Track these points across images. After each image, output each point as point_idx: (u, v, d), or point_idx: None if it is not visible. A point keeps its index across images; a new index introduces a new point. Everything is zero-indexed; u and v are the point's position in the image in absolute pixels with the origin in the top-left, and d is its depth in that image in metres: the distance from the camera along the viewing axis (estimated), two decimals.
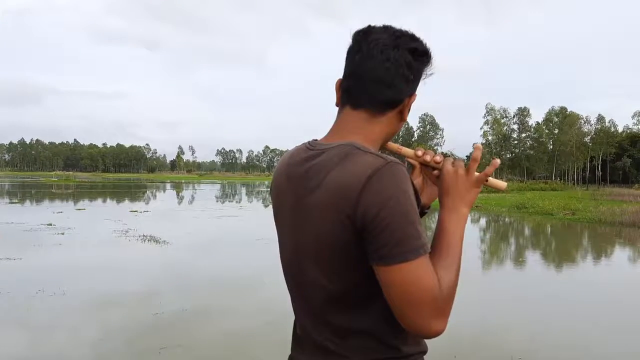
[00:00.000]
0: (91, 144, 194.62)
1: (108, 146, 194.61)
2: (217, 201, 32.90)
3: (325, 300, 1.04)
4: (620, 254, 13.56)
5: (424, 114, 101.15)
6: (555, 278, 10.03)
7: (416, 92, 1.11)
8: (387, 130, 1.11)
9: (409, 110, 1.12)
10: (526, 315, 6.70)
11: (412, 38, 1.08)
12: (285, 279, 1.16)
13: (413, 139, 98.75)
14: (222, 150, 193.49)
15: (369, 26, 1.09)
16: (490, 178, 1.16)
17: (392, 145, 1.20)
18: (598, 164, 78.82)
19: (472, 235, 16.50)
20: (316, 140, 1.12)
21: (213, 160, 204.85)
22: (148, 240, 12.55)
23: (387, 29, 1.07)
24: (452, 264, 1.00)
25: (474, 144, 1.18)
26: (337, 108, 1.13)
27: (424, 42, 1.09)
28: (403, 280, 0.92)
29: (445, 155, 1.19)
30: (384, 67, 1.04)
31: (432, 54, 1.10)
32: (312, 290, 1.06)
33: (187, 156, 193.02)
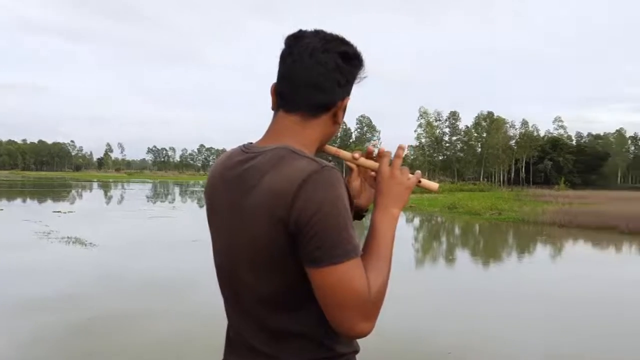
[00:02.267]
0: (10, 140, 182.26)
1: (28, 142, 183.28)
2: (148, 201, 31.80)
3: (258, 303, 1.04)
4: (542, 251, 14.34)
5: (361, 116, 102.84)
6: (483, 274, 10.45)
7: (349, 96, 1.12)
8: (322, 134, 1.11)
9: (344, 113, 1.13)
10: (456, 311, 6.91)
11: (342, 42, 1.09)
12: (219, 281, 1.15)
13: (351, 140, 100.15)
14: (154, 149, 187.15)
15: (300, 30, 1.09)
16: (423, 179, 1.20)
17: (330, 148, 1.20)
18: (522, 166, 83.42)
19: (406, 234, 16.91)
20: (251, 143, 1.12)
21: (144, 159, 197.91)
22: (73, 242, 11.92)
23: (317, 33, 1.08)
24: (382, 267, 1.02)
25: (398, 145, 1.17)
26: (273, 111, 1.14)
27: (355, 46, 1.11)
28: (333, 282, 0.94)
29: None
30: (314, 71, 1.05)
31: (363, 57, 1.11)
32: (245, 293, 1.06)
33: (116, 154, 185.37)
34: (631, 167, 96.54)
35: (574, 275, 10.29)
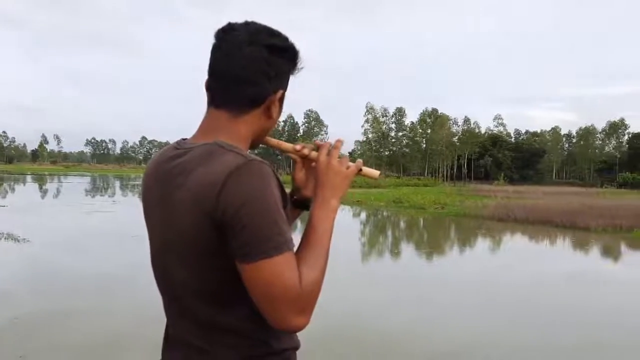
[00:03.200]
0: None
1: None
2: (87, 195, 30.64)
3: (193, 298, 1.03)
4: (482, 243, 14.88)
5: (309, 110, 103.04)
6: (427, 266, 10.72)
7: (285, 89, 1.10)
8: (255, 129, 1.09)
9: (280, 107, 1.11)
10: (401, 301, 7.06)
11: (271, 34, 1.06)
12: (155, 278, 1.14)
13: (299, 134, 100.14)
14: (93, 140, 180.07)
15: (229, 23, 1.07)
16: (364, 167, 1.20)
17: (272, 140, 1.20)
18: (464, 162, 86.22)
19: (353, 228, 17.10)
20: (185, 139, 1.12)
21: (82, 151, 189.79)
22: (5, 238, 11.30)
23: (247, 25, 1.06)
24: (316, 260, 1.01)
25: (337, 139, 1.19)
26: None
27: (285, 37, 1.08)
28: (263, 277, 0.93)
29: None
30: (240, 65, 1.03)
31: (296, 48, 1.09)
32: (180, 288, 1.05)
33: (52, 146, 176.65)
34: (565, 164, 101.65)
35: (510, 265, 10.75)
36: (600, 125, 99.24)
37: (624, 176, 60.28)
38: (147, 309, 5.94)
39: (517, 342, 5.51)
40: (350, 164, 1.16)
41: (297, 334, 1.09)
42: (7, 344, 4.88)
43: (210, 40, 1.08)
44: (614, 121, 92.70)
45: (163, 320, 1.13)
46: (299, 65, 1.11)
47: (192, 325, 1.05)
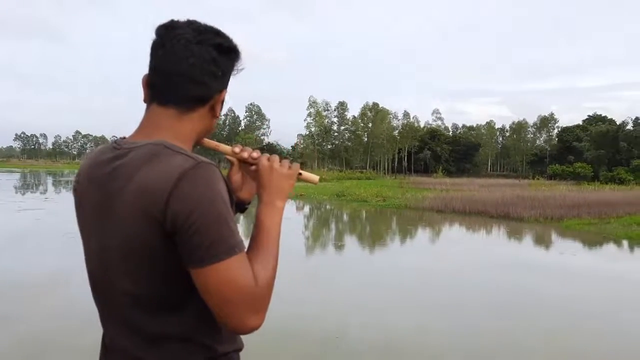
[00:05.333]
0: None
1: None
2: (16, 192, 28.98)
3: (133, 306, 1.01)
4: (422, 234, 15.32)
5: (251, 104, 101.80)
6: (369, 259, 10.92)
7: (227, 89, 1.11)
8: (199, 128, 1.09)
9: (221, 106, 1.11)
10: (342, 295, 7.16)
11: (217, 34, 1.06)
12: (91, 287, 1.10)
13: (240, 128, 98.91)
14: (22, 135, 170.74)
15: (172, 21, 1.05)
16: (303, 172, 1.23)
17: (210, 142, 1.19)
18: (405, 156, 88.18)
19: (296, 221, 17.14)
20: (124, 138, 1.07)
21: (11, 146, 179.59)
22: None
23: (191, 24, 1.05)
24: (268, 259, 1.01)
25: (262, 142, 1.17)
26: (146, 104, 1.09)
27: (230, 38, 1.09)
28: (218, 280, 0.92)
29: (270, 145, 1.19)
30: (188, 63, 1.02)
31: (239, 49, 1.10)
32: (119, 297, 1.02)
33: None
34: (499, 156, 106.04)
35: (449, 254, 11.14)
36: (531, 119, 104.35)
37: (553, 168, 63.52)
38: (76, 312, 5.76)
39: (447, 328, 5.73)
40: (292, 165, 1.17)
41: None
42: None
43: (144, 34, 1.06)
44: (545, 116, 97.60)
45: (90, 323, 1.10)
46: (240, 66, 1.11)
47: (132, 335, 1.02)
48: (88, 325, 5.23)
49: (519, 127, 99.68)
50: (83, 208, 1.08)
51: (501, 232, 15.85)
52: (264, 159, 1.16)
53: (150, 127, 1.05)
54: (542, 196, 22.65)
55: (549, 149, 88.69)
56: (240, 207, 1.29)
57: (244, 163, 1.24)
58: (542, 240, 14.30)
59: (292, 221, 16.69)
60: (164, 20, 1.07)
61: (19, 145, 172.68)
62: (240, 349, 1.12)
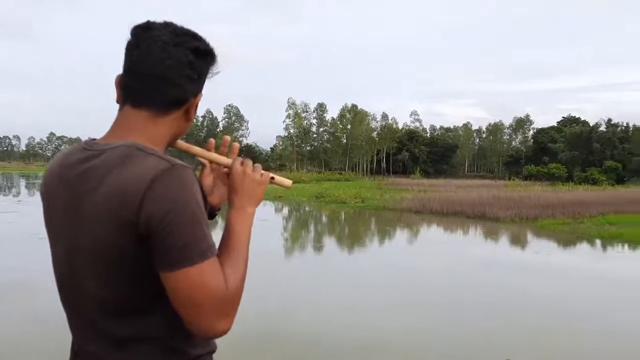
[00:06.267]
0: None
1: None
2: None
3: (102, 310, 0.99)
4: (401, 235, 15.44)
5: (229, 105, 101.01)
6: (347, 260, 10.97)
7: (201, 92, 1.09)
8: (173, 131, 1.07)
9: (196, 109, 1.10)
10: (321, 296, 7.17)
11: (194, 37, 1.06)
12: (59, 290, 1.07)
13: (218, 130, 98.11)
14: None
15: (148, 22, 1.04)
16: (276, 176, 1.23)
17: (182, 144, 1.17)
18: (383, 157, 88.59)
19: (275, 222, 17.10)
20: (94, 139, 1.05)
21: None
22: None
23: (167, 25, 1.04)
24: (238, 265, 1.01)
25: (233, 145, 1.20)
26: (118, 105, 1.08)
27: (206, 41, 1.08)
28: (189, 284, 0.92)
29: (249, 147, 1.19)
30: (164, 65, 1.01)
31: (215, 53, 1.09)
32: (88, 301, 1.00)
33: None
34: (476, 158, 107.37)
35: (426, 254, 11.26)
36: (507, 121, 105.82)
37: (529, 169, 64.52)
38: (45, 314, 5.66)
39: (429, 328, 5.79)
40: (264, 172, 1.17)
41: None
42: None
43: (117, 33, 1.05)
44: (520, 117, 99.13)
45: (59, 327, 1.08)
46: (215, 70, 1.10)
47: (102, 339, 1.01)
48: (53, 330, 5.15)
49: (495, 129, 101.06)
50: (51, 209, 1.05)
51: (478, 232, 16.06)
52: (237, 163, 1.15)
53: (122, 128, 1.03)
54: (517, 196, 23.01)
55: (524, 150, 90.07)
56: (210, 212, 1.25)
57: (216, 165, 1.22)
58: (518, 240, 14.54)
59: (271, 222, 16.66)
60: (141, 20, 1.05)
61: None
62: (214, 351, 1.11)
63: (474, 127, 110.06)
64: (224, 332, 0.97)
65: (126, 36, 1.04)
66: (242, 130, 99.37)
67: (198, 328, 0.94)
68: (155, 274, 0.94)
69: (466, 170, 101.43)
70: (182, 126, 1.09)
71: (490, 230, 16.01)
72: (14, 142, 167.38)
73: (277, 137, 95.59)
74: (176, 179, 0.93)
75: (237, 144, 1.20)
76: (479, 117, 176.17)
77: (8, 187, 38.42)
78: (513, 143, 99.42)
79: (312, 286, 7.82)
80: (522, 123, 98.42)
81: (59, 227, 1.03)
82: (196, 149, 1.21)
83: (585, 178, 52.74)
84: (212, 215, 1.28)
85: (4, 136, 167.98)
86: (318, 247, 12.57)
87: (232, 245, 1.04)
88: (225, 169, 1.19)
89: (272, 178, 1.21)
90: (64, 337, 1.09)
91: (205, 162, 1.24)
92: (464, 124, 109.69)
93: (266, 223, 15.54)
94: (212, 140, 1.23)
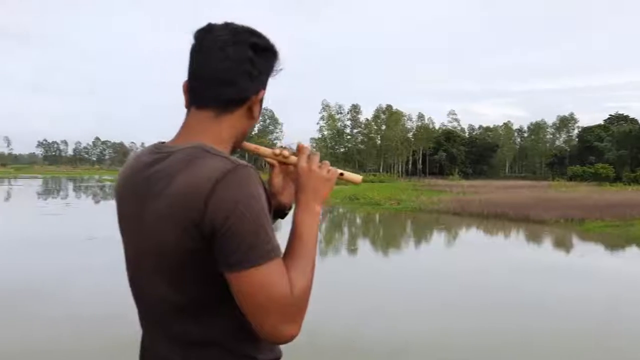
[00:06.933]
0: None
1: None
2: (38, 198, 29.48)
3: (170, 311, 1.00)
4: (438, 237, 15.13)
5: (264, 108, 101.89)
6: (384, 263, 10.78)
7: (265, 89, 1.09)
8: (237, 130, 1.08)
9: (260, 106, 1.11)
10: (356, 299, 7.03)
11: (253, 33, 1.06)
12: (131, 290, 1.10)
13: (253, 133, 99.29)
14: (44, 142, 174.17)
15: (209, 24, 1.06)
16: (345, 172, 1.21)
17: (249, 145, 1.18)
18: (419, 158, 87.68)
19: None
20: (163, 142, 1.07)
21: (33, 153, 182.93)
22: None
23: (227, 25, 1.05)
24: (304, 267, 0.99)
25: (298, 143, 1.21)
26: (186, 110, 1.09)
27: (266, 37, 1.08)
28: (253, 286, 0.90)
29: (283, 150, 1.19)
30: (223, 65, 1.02)
31: (276, 49, 1.09)
32: (156, 301, 1.02)
33: (2, 148, 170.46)
34: (517, 158, 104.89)
35: (468, 258, 10.94)
36: (550, 119, 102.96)
37: (574, 169, 62.56)
38: (91, 314, 5.80)
39: (467, 331, 5.57)
40: (331, 168, 1.15)
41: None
42: None
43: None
44: (564, 116, 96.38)
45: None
46: (279, 67, 1.10)
47: (169, 340, 1.01)
48: (99, 329, 5.23)
49: (537, 128, 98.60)
50: (122, 211, 1.08)
51: (521, 235, 15.58)
52: (303, 160, 1.13)
53: (188, 130, 1.05)
54: (562, 197, 22.30)
55: (568, 149, 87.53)
56: (281, 212, 1.27)
57: (284, 165, 1.21)
58: (563, 243, 14.00)
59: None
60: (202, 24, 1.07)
61: (41, 152, 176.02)
62: (279, 358, 1.09)
63: (515, 127, 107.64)
64: (291, 338, 0.94)
65: (190, 41, 1.06)
66: (277, 132, 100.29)
67: (264, 332, 0.93)
68: (221, 276, 0.94)
69: (507, 171, 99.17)
70: (246, 125, 1.09)
71: (533, 233, 15.48)
72: (61, 147, 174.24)
73: (310, 139, 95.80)
74: (240, 179, 0.92)
75: (303, 143, 1.17)
76: (519, 116, 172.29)
77: (57, 190, 39.89)
78: (556, 142, 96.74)
79: (345, 289, 7.69)
80: (565, 122, 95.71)
81: (129, 229, 1.05)
82: (264, 150, 1.21)
83: (635, 178, 50.79)
84: (283, 214, 1.28)
85: (52, 141, 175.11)
86: (352, 249, 12.43)
87: (297, 246, 1.02)
88: (293, 167, 1.18)
89: (341, 174, 1.19)
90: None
91: (274, 161, 1.23)
92: (504, 123, 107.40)
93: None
94: (300, 144, 1.20)
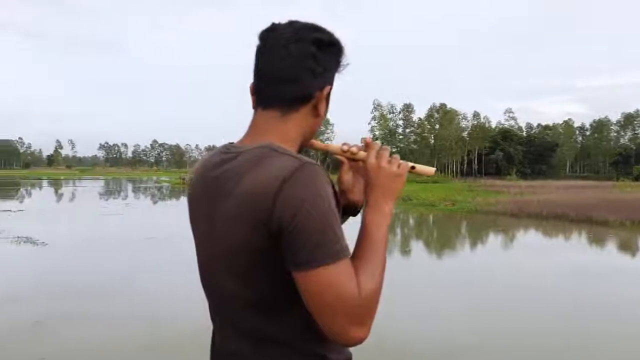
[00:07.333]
0: None
1: None
2: (100, 198, 30.89)
3: (241, 310, 1.00)
4: (496, 239, 14.78)
5: None
6: (437, 265, 10.67)
7: (330, 86, 1.07)
8: (304, 128, 1.07)
9: (327, 103, 1.09)
10: (412, 301, 7.03)
11: (315, 29, 1.05)
12: (203, 288, 1.11)
13: None
14: (106, 145, 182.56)
15: (273, 24, 1.05)
16: (416, 165, 1.15)
17: (318, 143, 1.16)
18: (474, 157, 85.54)
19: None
20: (232, 143, 1.08)
21: (95, 155, 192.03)
22: (23, 242, 11.46)
23: (291, 24, 1.04)
24: (373, 268, 0.96)
25: (362, 139, 1.16)
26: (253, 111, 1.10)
27: (330, 32, 1.06)
28: (320, 285, 0.89)
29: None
30: (286, 63, 1.01)
31: (341, 44, 1.07)
32: (228, 298, 1.02)
33: (67, 151, 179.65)
34: (578, 157, 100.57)
35: (526, 260, 10.66)
36: (614, 117, 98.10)
37: None
38: (153, 313, 6.02)
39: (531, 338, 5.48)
40: (402, 162, 1.10)
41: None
42: (29, 345, 4.96)
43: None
44: (629, 112, 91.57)
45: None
46: (345, 62, 1.08)
47: (240, 337, 1.02)
48: (164, 328, 5.48)
49: (600, 126, 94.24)
50: (194, 211, 1.09)
51: (583, 237, 15.00)
52: (372, 156, 1.10)
53: (256, 130, 1.05)
54: (628, 198, 21.24)
55: (634, 148, 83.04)
56: (352, 210, 1.25)
57: (353, 161, 1.18)
58: (629, 246, 13.38)
59: (357, 223, 16.64)
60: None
61: (102, 154, 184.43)
62: (349, 359, 1.08)
63: (576, 124, 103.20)
64: (359, 341, 0.92)
65: (255, 42, 1.06)
66: (328, 133, 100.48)
67: (332, 333, 0.92)
68: (290, 275, 0.93)
69: (567, 171, 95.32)
70: (313, 122, 1.08)
71: (596, 235, 14.87)
72: (122, 149, 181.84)
73: (361, 139, 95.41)
74: (307, 177, 0.91)
75: (369, 138, 1.14)
76: (581, 113, 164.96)
77: (117, 191, 41.67)
78: (621, 140, 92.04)
79: (400, 291, 7.69)
80: (631, 119, 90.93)
81: (201, 229, 1.06)
82: (333, 146, 1.19)
83: None
84: (355, 212, 1.26)
85: (114, 144, 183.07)
86: (405, 251, 12.36)
87: (365, 247, 1.00)
88: (362, 164, 1.14)
89: (412, 167, 1.15)
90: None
91: (343, 158, 1.20)
92: (564, 121, 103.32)
93: (351, 225, 15.55)
94: (366, 139, 1.18)
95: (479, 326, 5.90)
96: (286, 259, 0.92)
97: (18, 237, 12.14)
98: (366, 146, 1.13)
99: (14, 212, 19.54)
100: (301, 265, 0.90)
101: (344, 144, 1.17)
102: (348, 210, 1.25)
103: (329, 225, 0.90)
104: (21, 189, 41.65)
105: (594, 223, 17.08)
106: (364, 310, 0.91)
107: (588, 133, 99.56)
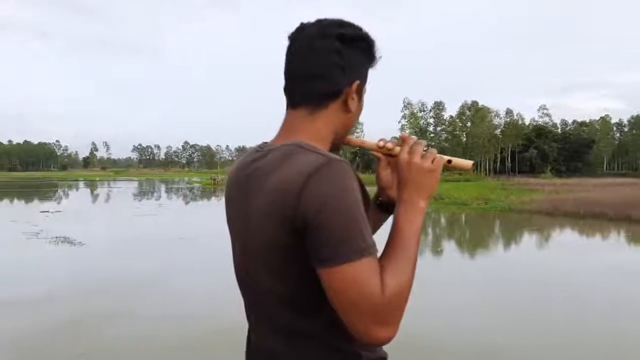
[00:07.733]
0: None
1: (14, 143, 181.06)
2: (134, 199, 31.60)
3: (275, 306, 1.00)
4: (529, 238, 14.46)
5: None
6: (472, 263, 10.51)
7: (360, 81, 1.05)
8: (335, 125, 1.06)
9: (359, 100, 1.07)
10: (445, 300, 6.95)
11: (340, 24, 1.04)
12: (238, 285, 1.12)
13: None
14: (139, 146, 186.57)
15: (302, 23, 1.06)
16: (453, 159, 1.12)
17: (355, 140, 1.15)
18: (507, 155, 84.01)
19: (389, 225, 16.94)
20: (265, 142, 1.09)
21: (129, 157, 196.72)
22: (62, 242, 11.82)
23: (318, 21, 1.04)
24: (402, 267, 0.93)
25: (401, 135, 1.12)
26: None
27: (357, 26, 1.05)
28: (343, 282, 0.87)
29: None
30: (311, 60, 1.02)
31: (370, 37, 1.05)
32: (264, 296, 1.02)
33: (102, 153, 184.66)
34: (617, 154, 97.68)
35: (563, 260, 10.40)
36: None
37: None
38: (186, 312, 6.11)
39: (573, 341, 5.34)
40: (437, 156, 1.07)
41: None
42: (67, 343, 5.11)
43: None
44: None
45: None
46: (376, 55, 1.07)
47: (275, 334, 1.02)
48: (198, 326, 5.56)
49: (639, 121, 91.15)
50: (229, 209, 1.10)
51: (622, 236, 14.55)
52: (404, 151, 1.07)
53: (287, 129, 1.06)
54: None
55: None
56: (391, 206, 1.23)
57: (390, 157, 1.15)
58: None
59: (387, 224, 16.53)
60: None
61: (136, 156, 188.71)
62: (385, 358, 1.06)
63: (614, 120, 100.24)
64: (384, 340, 0.90)
65: (283, 44, 1.07)
66: (357, 132, 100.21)
67: (354, 330, 0.90)
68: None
69: (605, 169, 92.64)
70: (345, 119, 1.07)
71: (635, 234, 14.41)
72: (155, 150, 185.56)
73: (392, 137, 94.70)
74: (333, 174, 0.90)
75: (405, 134, 1.11)
76: (618, 109, 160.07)
77: (150, 191, 42.53)
78: None
79: (433, 290, 7.61)
80: None
81: (237, 228, 1.07)
82: (369, 143, 1.17)
83: None
84: (393, 208, 1.25)
85: (147, 146, 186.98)
86: (437, 251, 12.22)
87: (395, 244, 0.97)
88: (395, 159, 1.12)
89: (449, 161, 1.11)
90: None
91: (380, 155, 1.19)
92: (601, 117, 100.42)
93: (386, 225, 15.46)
94: (402, 135, 1.14)
95: (513, 326, 5.82)
96: (310, 255, 0.91)
97: (56, 237, 12.52)
98: (403, 142, 1.11)
99: (52, 212, 20.14)
100: (325, 262, 0.88)
101: (380, 139, 1.15)
102: (386, 206, 1.25)
103: (354, 222, 0.89)
104: (59, 190, 42.98)
105: (633, 221, 16.54)
106: (388, 309, 0.89)
107: (626, 129, 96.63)
